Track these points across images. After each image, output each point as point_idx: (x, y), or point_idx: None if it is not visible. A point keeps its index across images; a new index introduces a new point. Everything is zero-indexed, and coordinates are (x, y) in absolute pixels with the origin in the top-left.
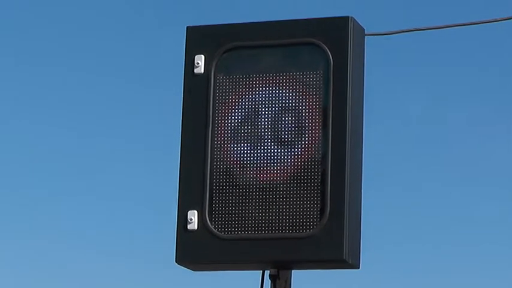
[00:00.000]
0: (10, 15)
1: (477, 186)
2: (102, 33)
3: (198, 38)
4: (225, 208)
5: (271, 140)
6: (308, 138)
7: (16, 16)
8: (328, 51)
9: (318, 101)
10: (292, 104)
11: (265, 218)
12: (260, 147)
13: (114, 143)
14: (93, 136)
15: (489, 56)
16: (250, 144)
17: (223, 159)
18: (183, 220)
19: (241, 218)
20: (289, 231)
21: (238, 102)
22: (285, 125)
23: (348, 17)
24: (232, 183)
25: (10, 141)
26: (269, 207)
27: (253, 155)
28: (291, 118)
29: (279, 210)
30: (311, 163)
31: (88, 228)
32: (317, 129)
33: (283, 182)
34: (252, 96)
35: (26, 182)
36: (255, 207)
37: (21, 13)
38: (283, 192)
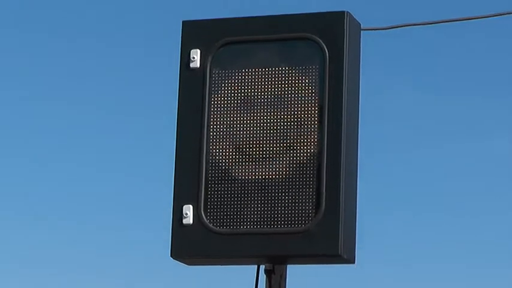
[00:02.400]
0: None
1: (477, 181)
2: (98, 30)
3: (194, 33)
4: (221, 203)
5: (266, 135)
6: (303, 133)
7: (15, 14)
8: (324, 46)
9: (313, 96)
10: (287, 99)
11: (260, 212)
12: (255, 142)
13: (109, 137)
14: (86, 131)
15: (487, 50)
16: (246, 139)
17: (219, 153)
18: (178, 214)
19: (237, 213)
20: (284, 226)
21: (234, 96)
22: (280, 120)
23: (343, 12)
24: (228, 178)
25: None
26: (264, 201)
27: (249, 149)
28: (287, 113)
29: (274, 204)
30: (307, 158)
31: (83, 224)
32: (313, 124)
33: (279, 176)
34: (247, 90)
35: (22, 179)
36: (251, 201)
37: (20, 12)
38: (278, 187)
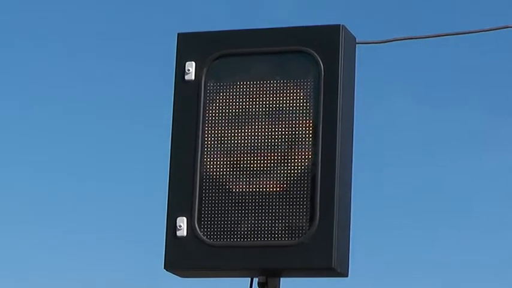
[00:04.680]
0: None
1: (473, 190)
2: (95, 37)
3: (189, 45)
4: (214, 215)
5: (260, 148)
6: (298, 146)
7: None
8: (319, 60)
9: (308, 109)
10: (282, 112)
11: (254, 225)
12: (250, 155)
13: (102, 148)
14: (80, 140)
15: (481, 66)
16: (240, 152)
17: (213, 166)
18: (172, 226)
19: (230, 225)
20: (278, 239)
21: (229, 109)
22: (275, 133)
23: (339, 25)
24: (222, 190)
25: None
26: (258, 214)
27: (243, 162)
28: (281, 126)
29: (268, 217)
30: (301, 171)
31: (75, 233)
32: (307, 137)
33: (273, 189)
34: (242, 103)
35: (22, 179)
36: (245, 214)
37: (21, 14)
38: (272, 200)
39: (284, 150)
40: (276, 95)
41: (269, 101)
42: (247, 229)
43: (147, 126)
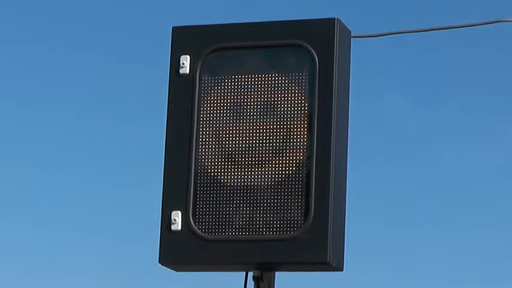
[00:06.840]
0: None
1: (464, 189)
2: (91, 34)
3: (184, 39)
4: (209, 209)
5: (255, 142)
6: (293, 140)
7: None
8: (314, 53)
9: (303, 103)
10: (277, 106)
11: (249, 219)
12: (244, 148)
13: (96, 143)
14: (75, 137)
15: (476, 59)
16: (235, 145)
17: (208, 160)
18: (166, 221)
19: (225, 219)
20: (273, 233)
21: (224, 103)
22: (269, 127)
23: (334, 19)
24: (217, 184)
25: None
26: (253, 208)
27: (238, 156)
28: (276, 119)
29: (263, 211)
30: (296, 165)
31: (76, 229)
32: (302, 131)
33: (268, 183)
34: (237, 97)
35: (21, 177)
36: (239, 208)
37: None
38: (267, 194)
39: (279, 144)
40: (271, 88)
41: (264, 94)
42: (242, 223)
43: (141, 120)
